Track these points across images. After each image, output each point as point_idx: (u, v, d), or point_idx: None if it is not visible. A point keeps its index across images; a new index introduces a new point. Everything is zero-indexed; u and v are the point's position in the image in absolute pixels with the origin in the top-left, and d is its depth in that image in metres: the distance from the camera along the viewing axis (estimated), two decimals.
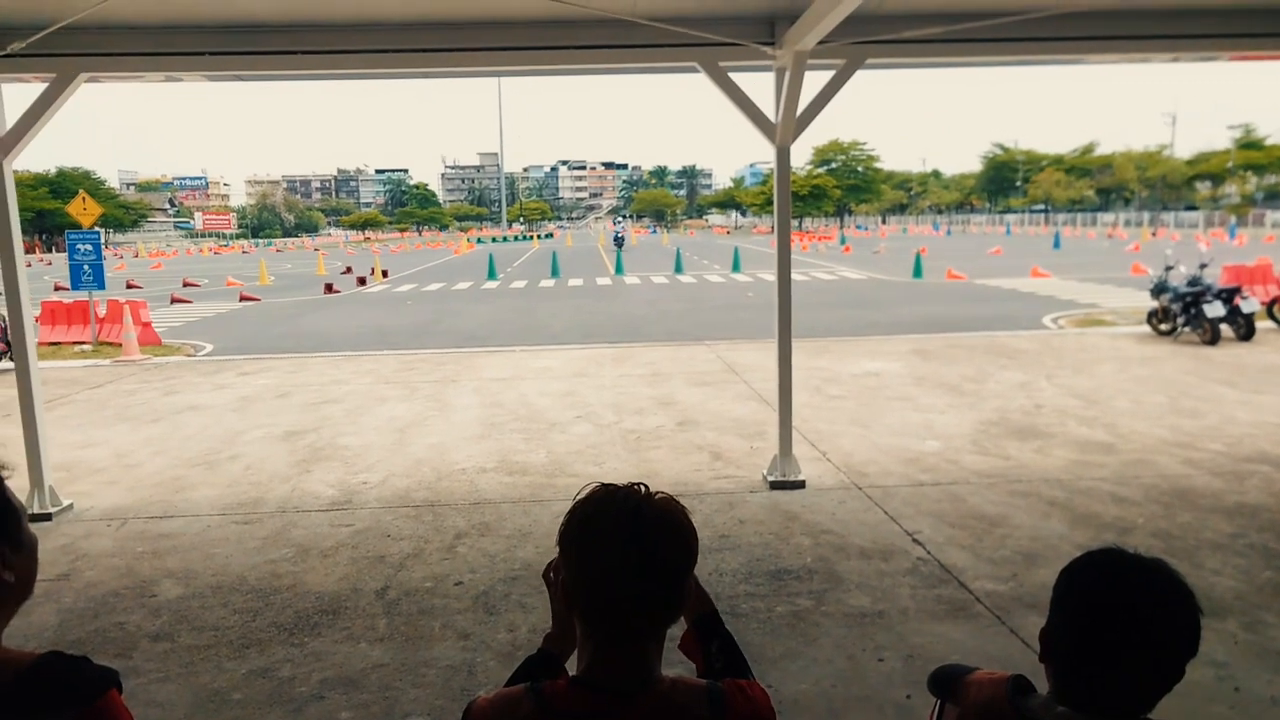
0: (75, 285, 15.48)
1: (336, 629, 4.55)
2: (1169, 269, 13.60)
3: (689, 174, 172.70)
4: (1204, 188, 79.87)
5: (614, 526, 1.19)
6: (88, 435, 9.03)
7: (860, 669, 4.00)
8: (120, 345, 14.86)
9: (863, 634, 4.33)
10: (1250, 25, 6.36)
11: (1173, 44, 6.49)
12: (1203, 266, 13.34)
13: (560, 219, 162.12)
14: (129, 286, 30.49)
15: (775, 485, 6.66)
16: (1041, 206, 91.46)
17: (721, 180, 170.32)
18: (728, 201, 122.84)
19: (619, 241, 27.50)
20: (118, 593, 5.09)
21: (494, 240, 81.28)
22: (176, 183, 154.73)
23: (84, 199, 16.93)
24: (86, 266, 15.36)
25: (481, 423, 9.07)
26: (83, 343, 16.10)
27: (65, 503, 6.61)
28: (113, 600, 4.98)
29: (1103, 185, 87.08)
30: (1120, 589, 1.23)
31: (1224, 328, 12.75)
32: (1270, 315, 14.13)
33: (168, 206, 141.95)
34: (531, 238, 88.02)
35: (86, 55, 5.95)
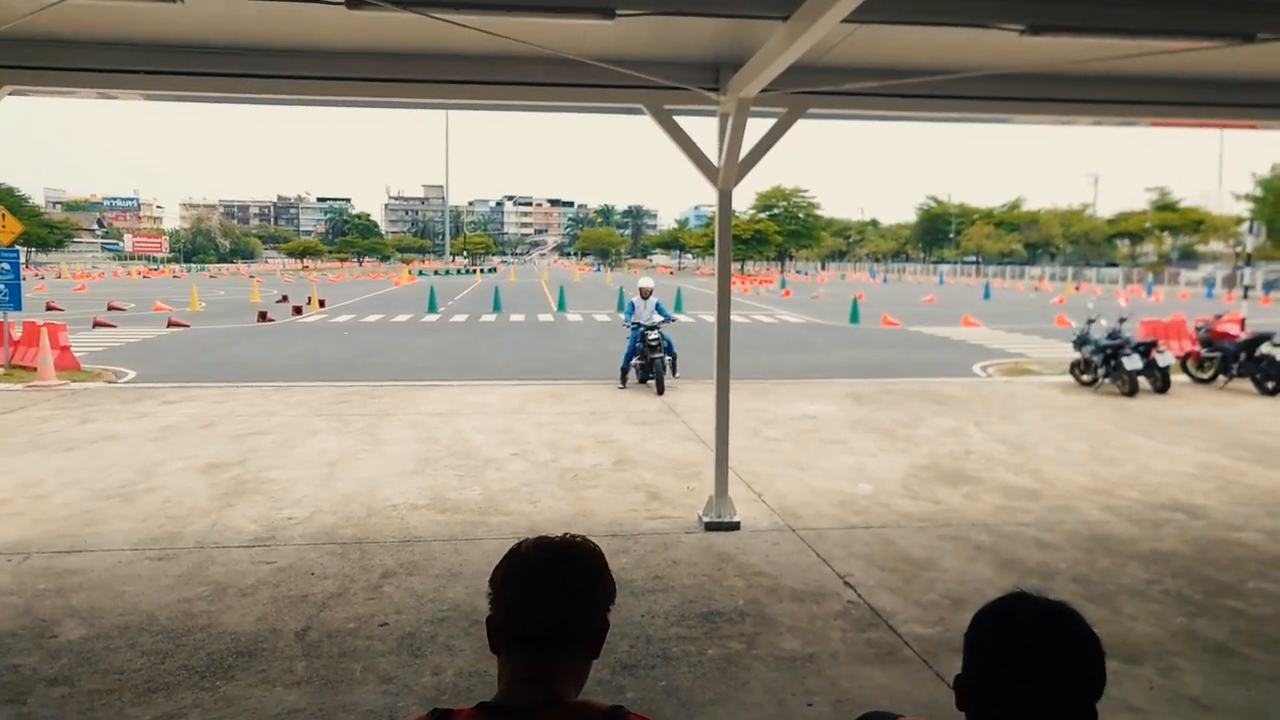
0: None
1: (252, 672, 4.35)
2: (1091, 322, 14.17)
3: (634, 214, 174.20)
4: (1124, 245, 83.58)
5: (525, 559, 1.35)
6: None
7: (789, 715, 3.98)
8: (35, 369, 14.21)
9: (793, 678, 4.31)
10: (1168, 93, 6.73)
11: (1095, 108, 6.83)
12: (1122, 320, 13.97)
13: (505, 254, 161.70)
14: (49, 308, 29.30)
15: (710, 526, 6.64)
16: (973, 258, 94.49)
17: (666, 221, 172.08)
18: (672, 242, 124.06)
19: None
20: (14, 633, 4.79)
21: (436, 273, 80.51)
22: (106, 203, 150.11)
23: (3, 215, 16.28)
24: (2, 286, 14.76)
25: (415, 458, 8.89)
26: None
27: None
28: (8, 641, 4.69)
29: (1030, 240, 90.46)
30: (1022, 633, 1.26)
31: (1141, 380, 13.27)
32: (1184, 369, 14.75)
33: (96, 227, 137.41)
34: (474, 271, 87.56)
35: (10, 68, 5.75)
